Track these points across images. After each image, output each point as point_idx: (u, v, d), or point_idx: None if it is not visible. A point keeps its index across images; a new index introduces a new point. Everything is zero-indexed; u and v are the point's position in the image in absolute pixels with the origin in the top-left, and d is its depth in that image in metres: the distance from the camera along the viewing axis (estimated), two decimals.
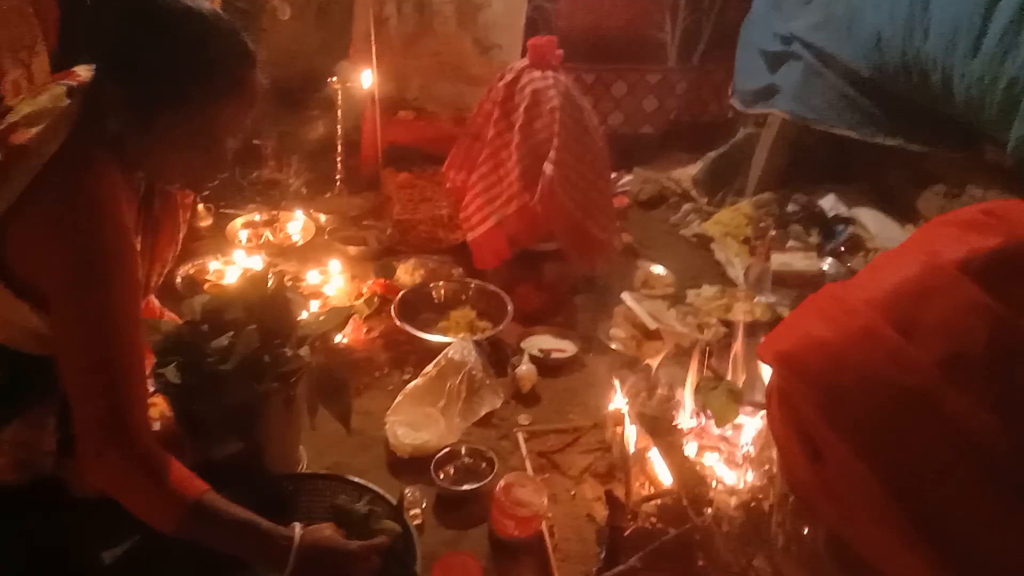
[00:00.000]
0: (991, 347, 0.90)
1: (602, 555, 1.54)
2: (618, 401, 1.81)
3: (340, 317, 1.72)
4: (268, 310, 1.64)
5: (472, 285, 2.51)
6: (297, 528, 1.31)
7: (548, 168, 2.41)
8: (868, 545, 1.06)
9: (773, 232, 3.08)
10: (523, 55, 2.67)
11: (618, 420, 1.79)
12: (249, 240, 2.79)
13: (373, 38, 3.08)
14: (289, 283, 2.38)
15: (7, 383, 1.36)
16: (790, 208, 3.23)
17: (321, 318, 1.72)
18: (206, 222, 2.85)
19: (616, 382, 1.83)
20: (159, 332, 1.62)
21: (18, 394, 1.38)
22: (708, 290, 2.72)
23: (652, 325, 2.29)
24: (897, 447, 0.96)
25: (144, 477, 1.21)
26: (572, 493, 1.77)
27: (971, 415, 0.90)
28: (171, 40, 1.23)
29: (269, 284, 1.66)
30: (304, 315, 1.73)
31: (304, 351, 1.60)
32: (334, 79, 3.06)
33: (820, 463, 1.05)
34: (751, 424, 1.64)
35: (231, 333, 1.55)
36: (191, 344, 1.56)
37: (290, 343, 1.62)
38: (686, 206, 3.49)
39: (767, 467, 1.59)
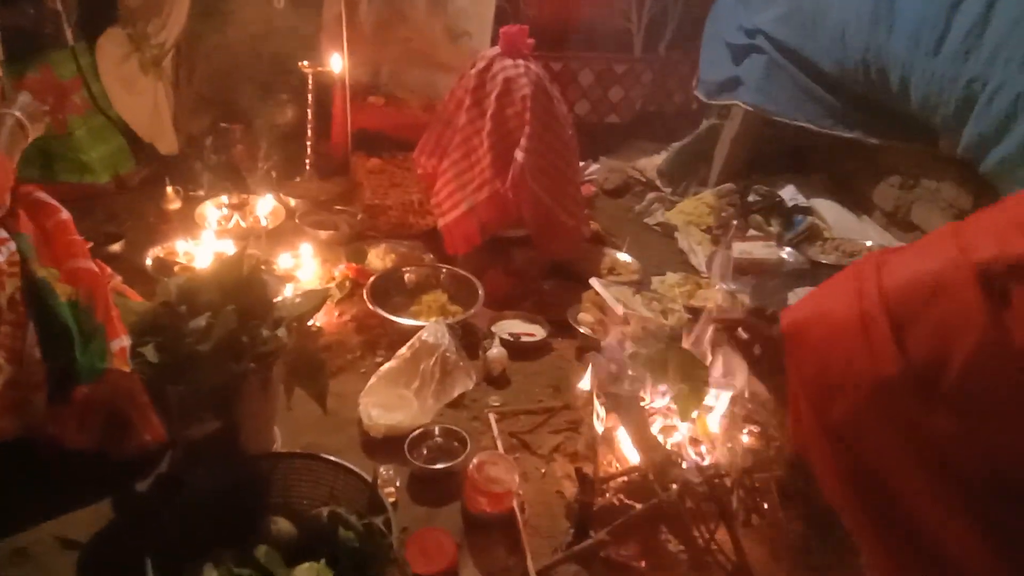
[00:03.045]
0: (974, 358, 0.90)
1: (571, 530, 1.60)
2: (587, 382, 1.86)
3: (317, 299, 1.74)
4: (244, 292, 1.66)
5: (443, 270, 2.53)
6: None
7: (519, 155, 2.45)
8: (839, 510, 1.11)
9: (735, 222, 3.17)
10: (493, 43, 2.69)
11: (587, 400, 1.84)
12: (219, 223, 2.77)
13: (344, 22, 3.07)
14: (261, 267, 2.38)
15: None
16: (751, 198, 3.31)
17: (297, 300, 1.74)
18: (175, 205, 2.83)
19: (587, 364, 1.88)
20: (135, 313, 1.63)
21: None
22: (672, 277, 2.79)
23: (620, 310, 2.35)
24: (858, 435, 1.01)
25: None
26: (542, 471, 1.82)
27: (932, 420, 0.93)
28: None
29: (243, 267, 1.68)
30: (280, 297, 1.75)
31: (281, 332, 1.62)
32: (304, 63, 3.05)
33: (798, 426, 1.10)
34: (718, 404, 1.71)
35: (208, 314, 1.57)
36: (168, 325, 1.57)
37: (267, 324, 1.64)
38: (650, 195, 3.56)
39: (730, 445, 1.66)
